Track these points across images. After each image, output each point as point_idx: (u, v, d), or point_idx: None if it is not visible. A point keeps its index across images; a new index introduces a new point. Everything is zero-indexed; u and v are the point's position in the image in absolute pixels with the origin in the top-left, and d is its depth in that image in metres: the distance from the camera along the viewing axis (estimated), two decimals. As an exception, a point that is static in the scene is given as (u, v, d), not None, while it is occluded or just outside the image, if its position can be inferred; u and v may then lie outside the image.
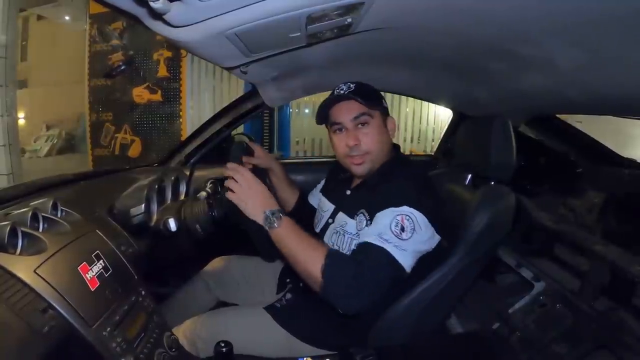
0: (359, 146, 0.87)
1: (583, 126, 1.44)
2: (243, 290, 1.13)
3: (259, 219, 0.79)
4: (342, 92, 0.87)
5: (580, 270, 1.13)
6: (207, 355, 0.87)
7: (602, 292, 1.03)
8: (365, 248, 0.75)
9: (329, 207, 0.99)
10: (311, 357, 0.85)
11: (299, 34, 0.69)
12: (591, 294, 1.05)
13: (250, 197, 0.80)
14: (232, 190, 0.80)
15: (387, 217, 0.77)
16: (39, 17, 5.87)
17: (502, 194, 0.92)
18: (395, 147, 0.96)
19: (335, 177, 1.05)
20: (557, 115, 1.38)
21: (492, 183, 0.97)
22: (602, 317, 0.99)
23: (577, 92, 0.88)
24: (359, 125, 0.87)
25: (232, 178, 0.80)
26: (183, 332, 0.91)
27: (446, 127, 1.67)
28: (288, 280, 1.07)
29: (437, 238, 0.82)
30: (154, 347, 0.69)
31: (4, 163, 2.62)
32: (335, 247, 0.90)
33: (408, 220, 0.76)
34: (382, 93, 0.98)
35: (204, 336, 0.89)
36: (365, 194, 0.89)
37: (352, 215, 0.89)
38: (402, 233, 0.75)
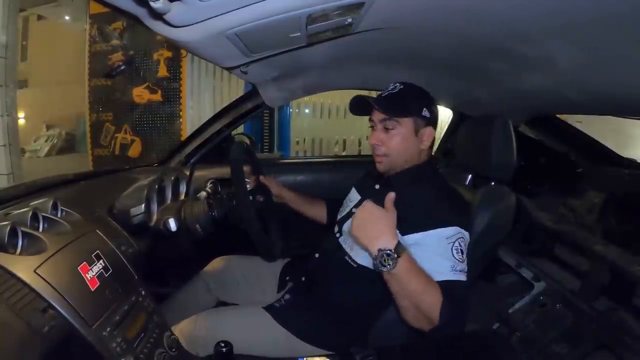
0: (381, 147, 0.90)
1: (583, 126, 1.44)
2: (243, 290, 1.13)
3: (374, 251, 0.68)
4: (382, 94, 0.90)
5: (580, 270, 1.13)
6: (206, 354, 0.88)
7: (602, 292, 1.03)
8: (449, 285, 0.73)
9: (356, 197, 1.02)
10: (311, 357, 0.85)
11: (299, 34, 0.69)
12: (591, 294, 1.05)
13: (370, 225, 0.71)
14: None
15: (445, 245, 0.78)
16: (39, 17, 5.87)
17: (503, 194, 0.92)
18: (430, 156, 0.96)
19: (370, 173, 1.06)
20: (557, 115, 1.39)
21: (493, 183, 0.97)
22: (602, 317, 0.99)
23: (577, 92, 0.88)
24: (385, 128, 0.90)
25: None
26: (182, 330, 0.90)
27: (446, 127, 1.67)
28: (288, 279, 1.07)
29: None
30: (154, 347, 0.69)
31: (4, 163, 2.61)
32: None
33: (463, 241, 0.80)
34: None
35: (203, 335, 0.89)
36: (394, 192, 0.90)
37: None
38: (462, 256, 0.79)
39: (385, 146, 0.90)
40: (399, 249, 0.67)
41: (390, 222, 0.71)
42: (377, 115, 0.90)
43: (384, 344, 0.89)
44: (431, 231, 0.80)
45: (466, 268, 0.79)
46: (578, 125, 1.41)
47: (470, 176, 1.16)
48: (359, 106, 0.93)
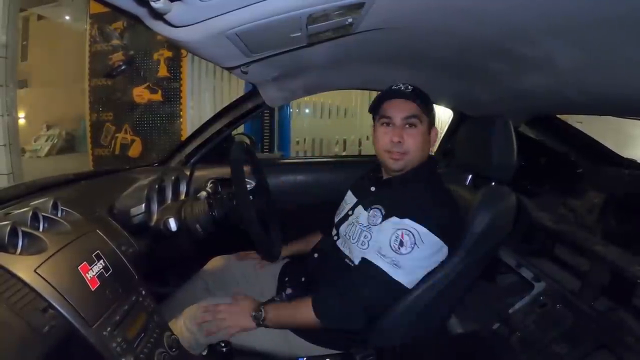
0: (402, 144, 0.88)
1: (583, 126, 1.44)
2: (242, 290, 1.13)
3: (251, 323, 0.87)
4: (402, 88, 0.89)
5: (580, 270, 1.13)
6: (204, 347, 0.88)
7: (602, 292, 1.03)
8: (363, 264, 0.80)
9: (352, 200, 1.02)
10: (311, 356, 0.85)
11: (299, 34, 0.69)
12: (591, 294, 1.05)
13: (231, 317, 0.87)
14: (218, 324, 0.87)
15: (389, 231, 0.79)
16: (39, 17, 5.88)
17: (503, 195, 0.92)
18: (431, 158, 0.97)
19: (367, 175, 1.06)
20: (557, 115, 1.38)
21: (493, 183, 0.97)
22: (602, 317, 0.99)
23: (577, 92, 0.88)
24: (407, 126, 0.89)
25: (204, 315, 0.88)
26: (181, 328, 0.91)
27: (446, 127, 1.67)
28: (287, 279, 1.07)
29: (445, 249, 0.83)
30: (154, 347, 0.69)
31: (4, 163, 2.61)
32: (347, 237, 0.93)
33: (409, 235, 0.77)
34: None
35: (202, 334, 0.89)
36: (386, 193, 0.92)
37: (367, 208, 0.91)
38: (400, 248, 0.77)
39: (407, 144, 0.88)
40: (257, 306, 0.87)
41: (237, 301, 0.91)
42: (400, 113, 0.88)
43: (384, 344, 0.89)
44: (391, 218, 0.81)
45: (400, 263, 0.77)
46: (578, 125, 1.41)
47: (470, 176, 1.15)
48: (378, 104, 0.93)
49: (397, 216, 0.80)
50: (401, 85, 0.90)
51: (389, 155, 0.90)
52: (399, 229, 0.78)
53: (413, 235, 0.77)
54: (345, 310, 0.80)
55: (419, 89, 0.91)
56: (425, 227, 0.78)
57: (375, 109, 0.94)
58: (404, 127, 0.89)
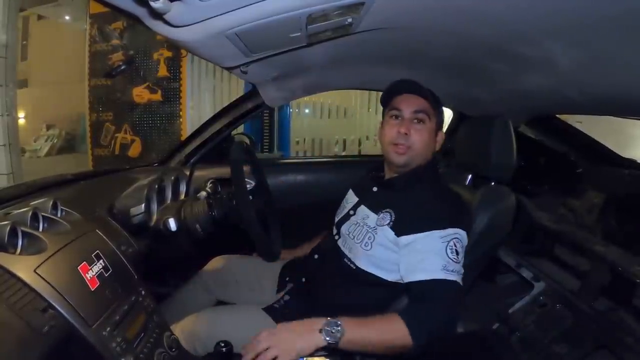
0: (408, 137, 0.88)
1: (583, 126, 1.44)
2: (243, 290, 1.13)
3: (320, 341, 0.70)
4: (414, 85, 0.89)
5: (580, 270, 1.13)
6: (204, 353, 0.88)
7: (602, 292, 1.03)
8: (438, 285, 0.75)
9: (353, 199, 1.01)
10: (311, 357, 0.85)
11: (299, 34, 0.69)
12: (591, 294, 1.05)
13: (291, 339, 0.72)
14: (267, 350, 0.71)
15: (439, 244, 0.78)
16: (39, 17, 5.87)
17: (503, 195, 0.92)
18: (434, 159, 0.97)
19: (368, 175, 1.06)
20: (557, 115, 1.38)
21: (493, 183, 0.97)
22: (602, 317, 0.99)
23: (577, 92, 0.88)
24: (415, 120, 0.89)
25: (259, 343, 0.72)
26: (181, 329, 0.90)
27: (446, 127, 1.67)
28: (288, 279, 1.07)
29: None
30: (154, 347, 0.69)
31: (4, 163, 2.61)
32: (351, 237, 0.92)
33: (459, 242, 0.79)
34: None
35: (202, 334, 0.89)
36: (392, 194, 0.91)
37: (375, 210, 0.90)
38: (458, 256, 0.78)
39: (412, 138, 0.89)
40: (331, 317, 0.72)
41: (291, 324, 0.74)
42: (410, 106, 0.89)
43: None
44: (427, 232, 0.80)
45: (461, 270, 0.78)
46: (578, 125, 1.41)
47: (470, 176, 1.15)
48: (389, 96, 0.93)
49: (437, 228, 0.79)
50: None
51: (394, 148, 0.90)
52: (450, 240, 0.78)
53: (460, 240, 0.80)
54: (439, 322, 0.75)
55: (428, 89, 0.91)
56: (463, 229, 0.81)
57: (386, 101, 0.95)
58: (412, 121, 0.89)
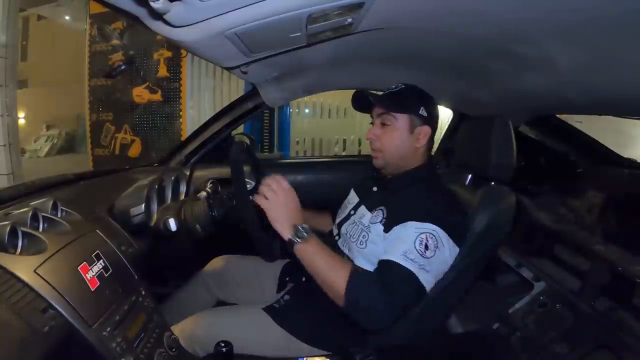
0: (375, 141, 0.92)
1: (583, 126, 1.44)
2: (243, 290, 1.13)
3: (286, 231, 0.76)
4: (384, 92, 0.92)
5: (580, 270, 1.13)
6: (205, 354, 0.88)
7: (602, 292, 1.03)
8: (391, 267, 0.75)
9: (355, 200, 1.02)
10: (311, 357, 0.85)
11: (299, 34, 0.69)
12: (591, 294, 1.05)
13: (283, 207, 0.78)
14: (265, 197, 0.78)
15: (411, 234, 0.77)
16: (39, 17, 5.88)
17: (503, 195, 0.91)
18: (429, 157, 0.96)
19: (370, 175, 1.06)
20: (557, 115, 1.38)
21: (493, 183, 0.97)
22: (602, 317, 0.99)
23: (577, 92, 0.88)
24: (382, 124, 0.91)
25: (269, 185, 0.79)
26: (181, 330, 0.91)
27: (446, 127, 1.67)
28: (288, 279, 1.07)
29: (457, 250, 0.82)
30: (154, 347, 0.69)
31: (4, 163, 2.61)
32: (349, 236, 0.93)
33: (432, 238, 0.77)
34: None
35: (202, 335, 0.89)
36: (388, 194, 0.92)
37: (370, 209, 0.92)
38: (426, 251, 0.76)
39: (380, 141, 0.91)
40: (302, 224, 0.77)
41: (297, 200, 0.80)
42: (376, 111, 0.92)
43: (384, 344, 0.89)
44: (406, 222, 0.79)
45: (427, 267, 0.75)
46: (578, 125, 1.41)
47: (470, 176, 1.15)
48: (360, 102, 0.95)
49: (416, 220, 0.78)
50: (392, 87, 0.93)
51: (372, 153, 0.94)
52: (422, 233, 0.77)
53: (435, 237, 0.77)
54: (379, 301, 0.72)
55: (407, 87, 0.92)
56: (444, 229, 0.78)
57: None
58: (379, 125, 0.92)
